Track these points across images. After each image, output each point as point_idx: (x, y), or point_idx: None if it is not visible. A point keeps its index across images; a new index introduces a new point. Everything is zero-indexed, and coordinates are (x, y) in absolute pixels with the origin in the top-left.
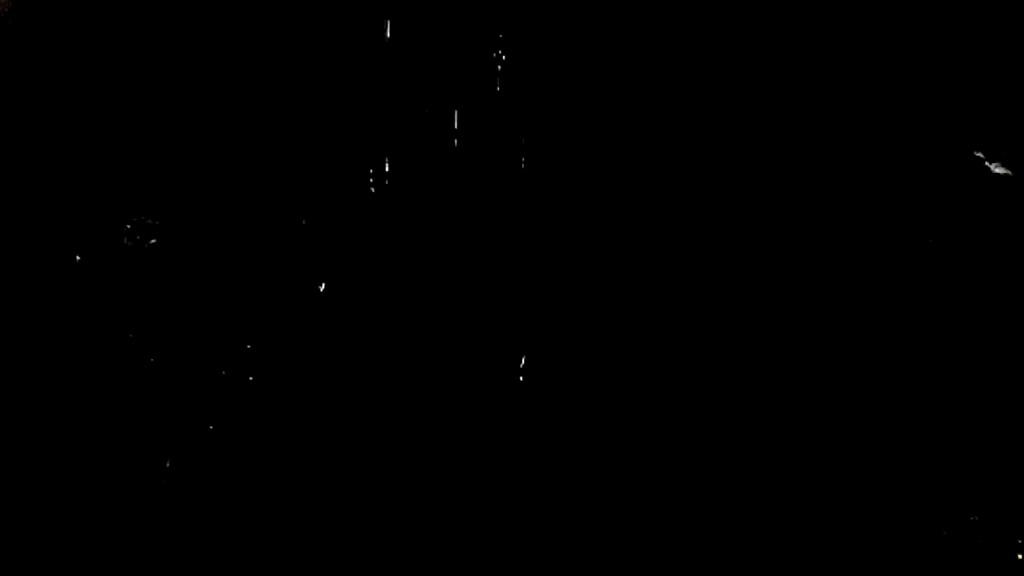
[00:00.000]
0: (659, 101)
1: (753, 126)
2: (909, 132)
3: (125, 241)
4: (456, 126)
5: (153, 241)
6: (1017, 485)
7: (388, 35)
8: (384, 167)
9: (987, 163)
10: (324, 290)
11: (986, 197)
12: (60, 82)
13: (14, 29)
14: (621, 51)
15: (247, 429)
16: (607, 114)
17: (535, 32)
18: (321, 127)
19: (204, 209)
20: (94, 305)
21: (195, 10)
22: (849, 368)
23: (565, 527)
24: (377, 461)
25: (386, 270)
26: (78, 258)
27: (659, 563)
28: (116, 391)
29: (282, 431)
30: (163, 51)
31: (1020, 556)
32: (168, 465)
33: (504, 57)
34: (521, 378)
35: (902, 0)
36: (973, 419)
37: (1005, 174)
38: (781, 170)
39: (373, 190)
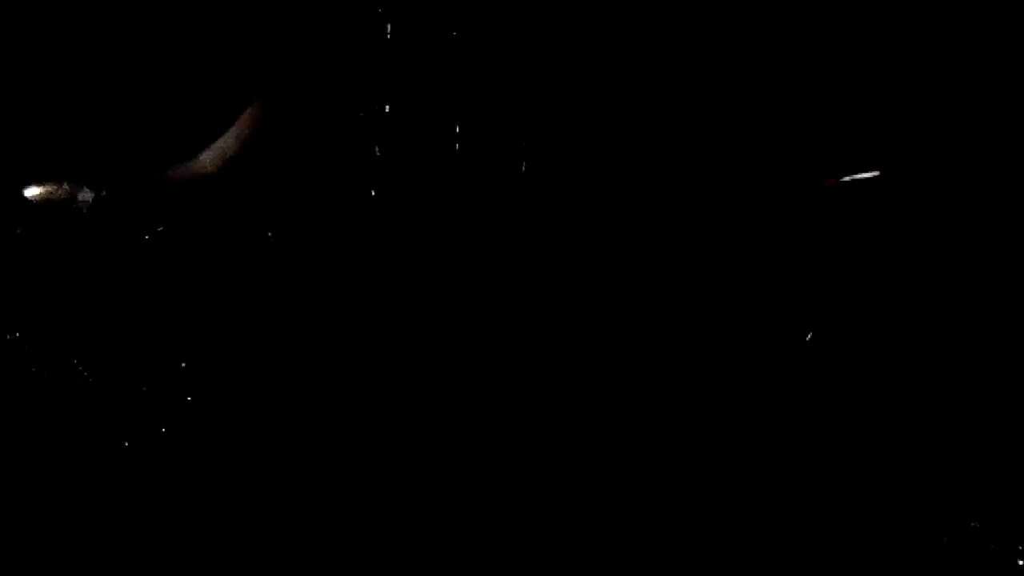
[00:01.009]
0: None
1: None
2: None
3: (125, 236)
4: (455, 127)
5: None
6: (1017, 491)
7: (388, 36)
8: (383, 168)
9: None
10: (324, 290)
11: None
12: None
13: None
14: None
15: (245, 428)
16: (601, 123)
17: (534, 34)
18: (318, 127)
19: (206, 207)
20: (90, 301)
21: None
22: (848, 373)
23: (564, 526)
24: (376, 460)
25: (386, 270)
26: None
27: (658, 563)
28: (114, 389)
29: (281, 430)
30: (161, 49)
31: (1021, 562)
32: (167, 464)
33: (503, 59)
34: (520, 378)
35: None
36: (974, 426)
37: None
38: (775, 174)
39: (373, 192)
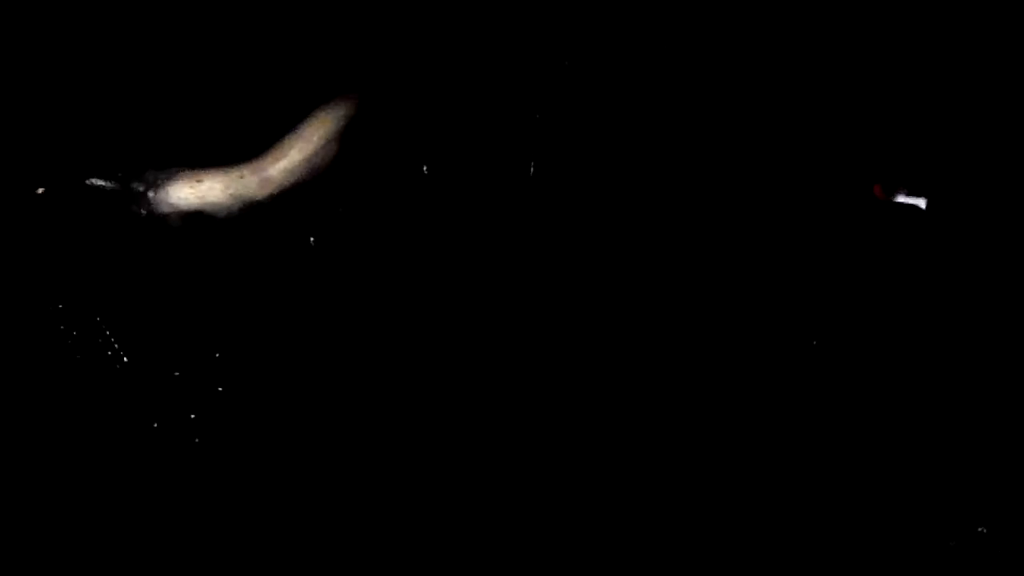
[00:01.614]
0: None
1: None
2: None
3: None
4: (455, 129)
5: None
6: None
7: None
8: (383, 169)
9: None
10: (326, 291)
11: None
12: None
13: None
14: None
15: (246, 429)
16: (605, 120)
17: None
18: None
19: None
20: (92, 301)
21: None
22: (854, 375)
23: (563, 528)
24: (377, 462)
25: (387, 270)
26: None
27: (657, 564)
28: (114, 389)
29: (282, 431)
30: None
31: None
32: (168, 465)
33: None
34: (520, 380)
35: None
36: (982, 428)
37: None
38: (775, 174)
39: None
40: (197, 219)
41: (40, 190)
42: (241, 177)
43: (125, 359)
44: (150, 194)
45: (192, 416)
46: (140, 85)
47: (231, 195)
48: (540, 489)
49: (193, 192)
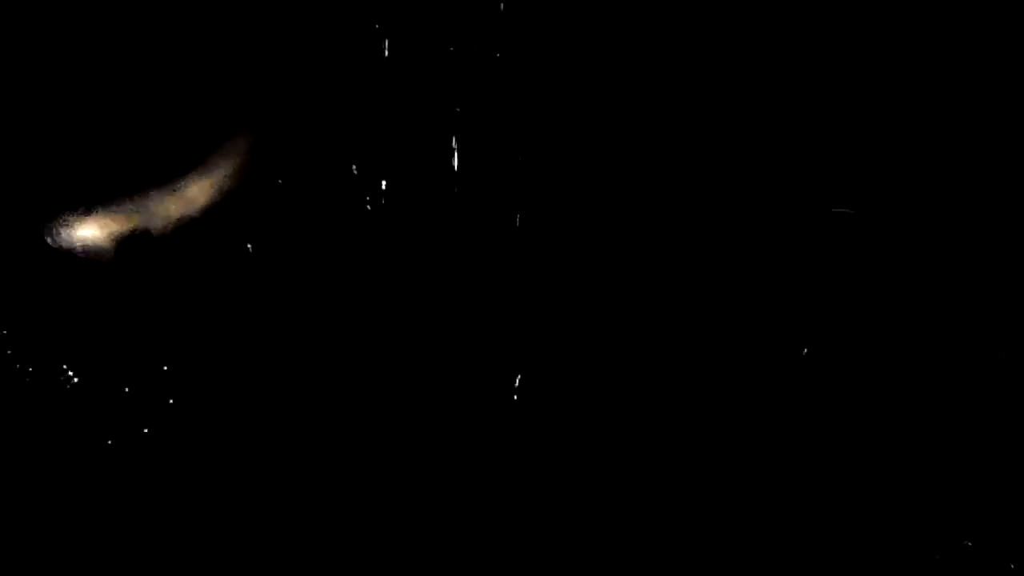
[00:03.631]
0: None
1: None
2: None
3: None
4: (452, 133)
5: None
6: (1012, 511)
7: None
8: (379, 173)
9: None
10: (324, 298)
11: None
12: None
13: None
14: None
15: (246, 432)
16: (602, 124)
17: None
18: (313, 132)
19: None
20: (89, 305)
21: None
22: (843, 384)
23: (562, 531)
24: (376, 468)
25: (383, 278)
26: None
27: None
28: (110, 388)
29: (281, 437)
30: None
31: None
32: (165, 464)
33: (499, 63)
34: (518, 384)
35: None
36: (969, 443)
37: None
38: (775, 175)
39: (368, 198)
40: (101, 253)
41: None
42: (140, 210)
43: (75, 380)
44: (52, 230)
45: (145, 430)
46: (33, 119)
47: (131, 229)
48: (537, 489)
49: (91, 228)
